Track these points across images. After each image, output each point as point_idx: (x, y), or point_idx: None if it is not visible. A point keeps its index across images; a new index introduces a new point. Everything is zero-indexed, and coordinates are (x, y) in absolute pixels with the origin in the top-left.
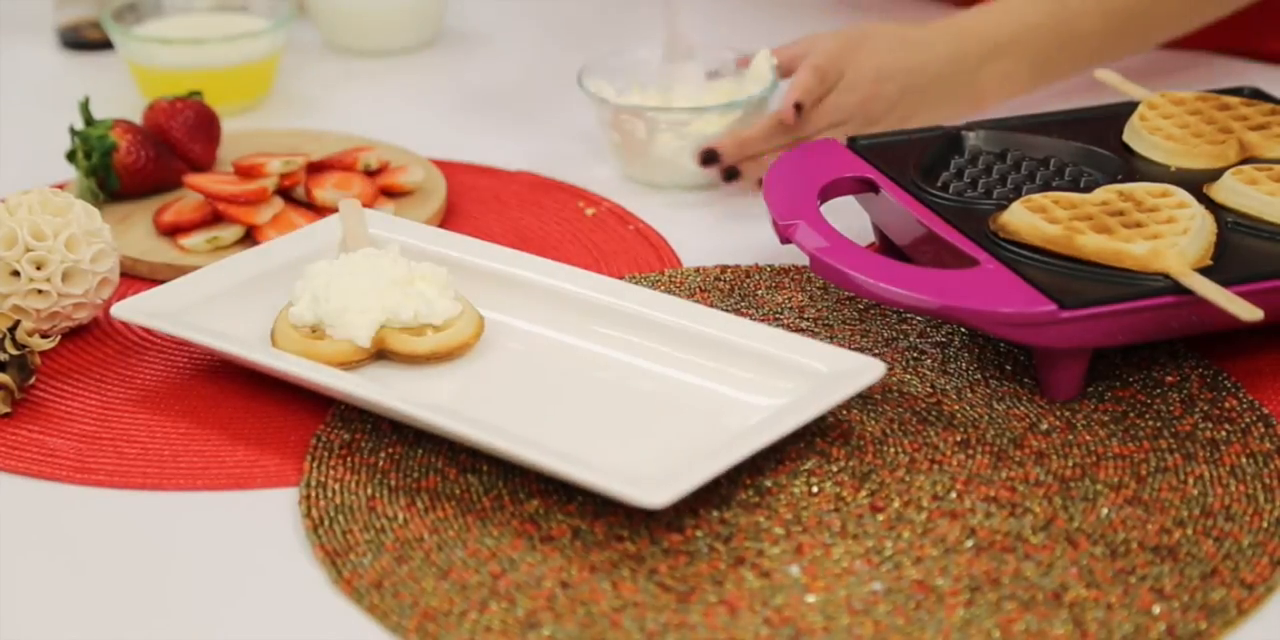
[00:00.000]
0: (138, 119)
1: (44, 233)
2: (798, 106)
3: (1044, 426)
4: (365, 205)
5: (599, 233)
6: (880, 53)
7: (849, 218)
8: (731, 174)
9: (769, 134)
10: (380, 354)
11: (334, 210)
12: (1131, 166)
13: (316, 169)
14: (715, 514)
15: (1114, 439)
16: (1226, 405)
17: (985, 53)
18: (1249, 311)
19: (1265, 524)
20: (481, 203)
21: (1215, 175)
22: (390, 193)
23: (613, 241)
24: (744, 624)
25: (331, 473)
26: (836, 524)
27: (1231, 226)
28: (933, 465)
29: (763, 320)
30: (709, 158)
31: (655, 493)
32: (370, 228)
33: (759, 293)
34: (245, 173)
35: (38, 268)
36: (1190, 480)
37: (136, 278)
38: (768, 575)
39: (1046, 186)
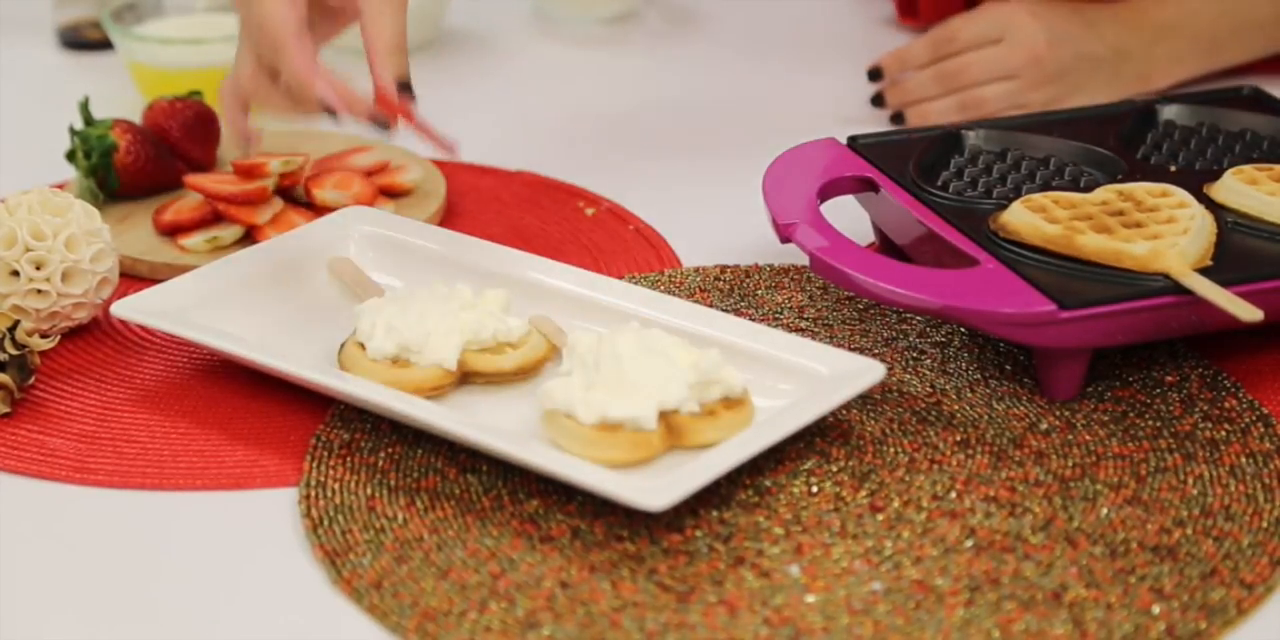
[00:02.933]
0: (138, 119)
1: (44, 233)
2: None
3: (1044, 426)
4: (366, 204)
5: (599, 233)
6: (1054, 18)
7: (849, 218)
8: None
9: (926, 49)
10: (463, 379)
11: (334, 210)
12: (1132, 166)
13: (316, 171)
14: (715, 514)
15: (1114, 439)
16: (1226, 405)
17: (1158, 32)
18: (1249, 312)
19: (1265, 524)
20: (481, 203)
21: (1215, 175)
22: (390, 193)
23: (613, 241)
24: (744, 624)
25: (331, 472)
26: (836, 524)
27: (1232, 226)
28: (932, 465)
29: (762, 320)
30: (874, 74)
31: (655, 496)
32: (370, 227)
33: (759, 293)
34: (245, 173)
35: (37, 268)
36: (1190, 480)
37: (136, 278)
38: (767, 575)
39: (1046, 186)
